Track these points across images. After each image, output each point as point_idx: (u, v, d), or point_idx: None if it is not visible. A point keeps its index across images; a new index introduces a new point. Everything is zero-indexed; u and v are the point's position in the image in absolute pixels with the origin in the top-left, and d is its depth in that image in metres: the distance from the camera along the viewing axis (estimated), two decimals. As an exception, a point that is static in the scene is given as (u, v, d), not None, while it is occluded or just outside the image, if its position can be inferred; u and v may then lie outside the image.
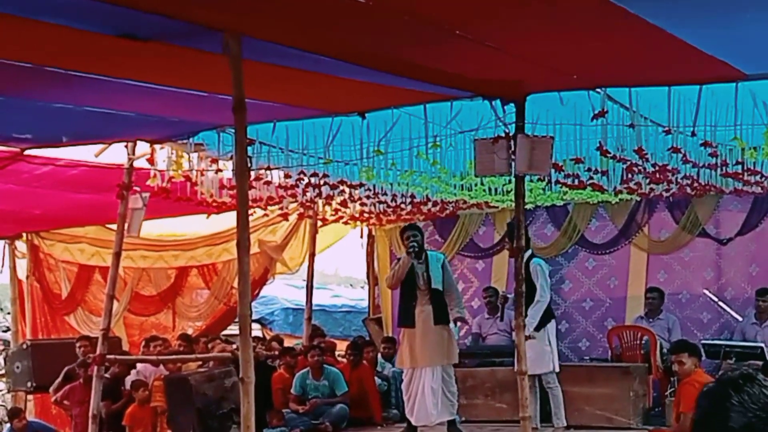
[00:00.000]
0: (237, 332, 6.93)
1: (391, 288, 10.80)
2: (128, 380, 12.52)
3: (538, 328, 10.67)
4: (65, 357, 13.35)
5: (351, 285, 24.87)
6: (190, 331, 16.73)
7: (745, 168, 10.19)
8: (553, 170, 9.79)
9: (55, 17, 5.81)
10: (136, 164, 10.82)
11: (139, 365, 12.83)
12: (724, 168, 10.12)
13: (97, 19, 5.87)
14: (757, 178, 10.88)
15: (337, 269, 25.10)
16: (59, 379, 12.90)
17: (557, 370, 10.87)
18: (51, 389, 13.02)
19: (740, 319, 13.32)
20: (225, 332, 15.79)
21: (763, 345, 11.94)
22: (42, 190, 12.54)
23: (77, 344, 13.21)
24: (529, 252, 11.09)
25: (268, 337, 16.89)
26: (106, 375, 12.02)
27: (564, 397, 11.01)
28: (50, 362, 13.69)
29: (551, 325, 10.98)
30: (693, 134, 8.56)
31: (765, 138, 8.56)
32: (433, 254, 11.26)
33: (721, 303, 13.94)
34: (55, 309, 17.37)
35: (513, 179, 9.21)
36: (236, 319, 7.56)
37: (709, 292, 14.15)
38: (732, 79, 7.73)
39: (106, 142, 10.44)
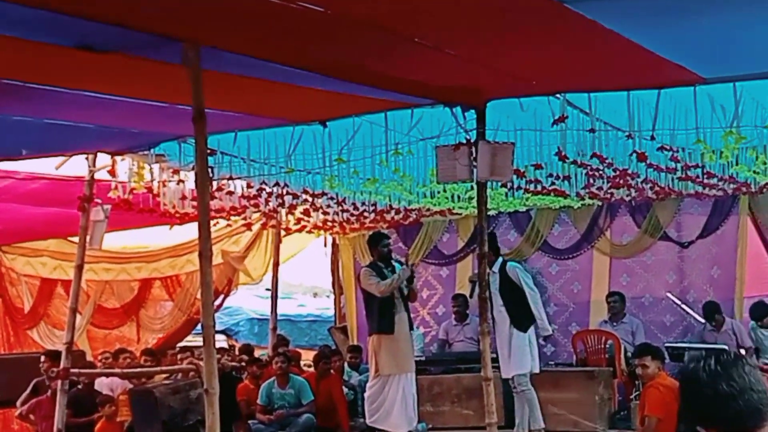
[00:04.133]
0: (201, 343, 6.90)
1: (382, 295, 10.81)
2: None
3: (525, 329, 10.74)
4: (28, 372, 13.25)
5: (316, 294, 24.80)
6: (152, 342, 16.71)
7: (705, 171, 10.28)
8: (515, 176, 9.82)
9: (11, 29, 5.78)
10: (97, 176, 10.76)
11: (106, 378, 12.77)
12: (686, 171, 10.20)
13: (54, 30, 5.83)
14: (716, 180, 10.97)
15: (302, 278, 25.02)
16: (27, 392, 12.79)
17: (536, 370, 10.86)
18: (18, 402, 12.92)
19: (702, 321, 13.41)
20: (191, 343, 15.71)
21: (726, 347, 12.02)
22: (2, 204, 12.45)
23: (41, 359, 13.09)
24: (501, 259, 11.13)
25: (235, 346, 16.84)
26: (79, 386, 12.00)
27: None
28: (13, 377, 13.59)
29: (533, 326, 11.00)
30: (652, 138, 8.61)
31: (723, 141, 8.62)
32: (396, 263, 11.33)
33: (683, 306, 14.03)
34: (18, 323, 17.26)
35: (475, 186, 9.23)
36: (199, 329, 7.53)
37: (672, 295, 14.24)
38: (690, 82, 7.79)
39: (66, 154, 10.38)
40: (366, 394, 11.23)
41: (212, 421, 6.41)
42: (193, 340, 16.12)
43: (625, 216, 14.74)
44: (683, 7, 5.98)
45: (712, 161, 9.76)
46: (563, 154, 8.95)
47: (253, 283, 17.37)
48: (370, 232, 12.88)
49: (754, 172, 10.72)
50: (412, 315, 13.82)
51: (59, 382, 10.85)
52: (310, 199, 11.79)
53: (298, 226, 13.83)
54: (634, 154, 9.16)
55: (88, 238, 10.99)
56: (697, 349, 11.98)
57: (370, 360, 11.21)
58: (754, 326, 13.15)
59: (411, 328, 11.24)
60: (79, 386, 12.18)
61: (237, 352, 15.40)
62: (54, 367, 11.54)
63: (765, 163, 10.24)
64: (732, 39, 6.76)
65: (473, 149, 8.38)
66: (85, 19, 5.51)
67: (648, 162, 9.66)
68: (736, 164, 10.25)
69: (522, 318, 10.83)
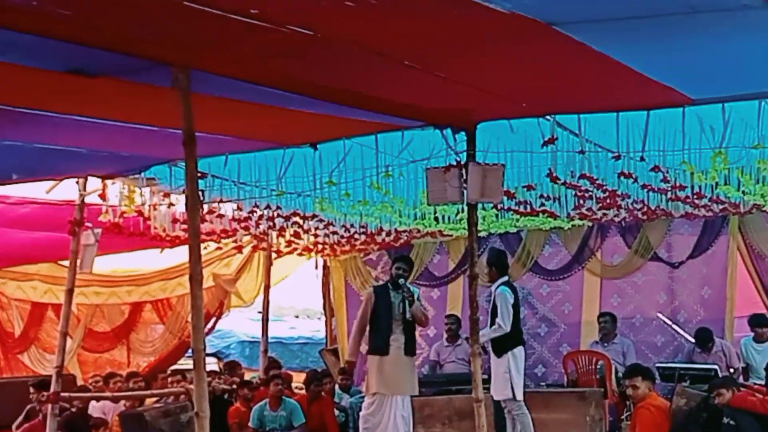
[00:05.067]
0: (192, 366, 6.89)
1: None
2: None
3: (499, 354, 10.68)
4: (19, 396, 13.21)
5: (308, 316, 24.79)
6: (143, 365, 16.70)
7: (694, 192, 10.31)
8: (505, 197, 9.84)
9: (1, 54, 5.79)
10: (87, 200, 10.75)
11: (97, 402, 12.75)
12: (674, 192, 10.23)
13: (44, 55, 5.85)
14: (705, 201, 11.00)
15: (293, 301, 25.01)
16: (21, 418, 12.74)
17: (518, 398, 10.77)
18: (13, 426, 12.88)
19: (693, 341, 13.43)
20: (183, 367, 15.67)
21: (716, 367, 12.05)
22: (-8, 229, 12.45)
23: (30, 390, 12.99)
24: (504, 279, 11.08)
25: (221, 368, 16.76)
26: (72, 409, 11.99)
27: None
28: (4, 401, 13.55)
29: (518, 352, 10.87)
30: (641, 159, 8.64)
31: (712, 162, 8.66)
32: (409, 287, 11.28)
33: (674, 326, 14.05)
34: (8, 347, 17.23)
35: (465, 207, 9.25)
36: (189, 353, 7.51)
37: (663, 315, 14.26)
38: (678, 104, 7.82)
39: (56, 178, 10.37)
40: (361, 414, 11.21)
41: (203, 444, 6.39)
42: (185, 363, 16.08)
43: (616, 237, 14.78)
44: (672, 29, 6.01)
45: (701, 182, 9.79)
46: (555, 175, 8.97)
47: (245, 305, 17.36)
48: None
49: (743, 192, 10.77)
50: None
51: (49, 406, 10.82)
52: (300, 221, 11.80)
53: (289, 249, 13.84)
54: (623, 175, 9.19)
55: (78, 261, 10.98)
56: (687, 370, 12.01)
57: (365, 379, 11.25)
58: (747, 342, 13.15)
59: (411, 353, 11.10)
60: (73, 410, 12.17)
61: (222, 368, 15.39)
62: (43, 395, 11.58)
63: (753, 184, 10.30)
64: (721, 60, 6.79)
65: (463, 171, 8.39)
66: (75, 43, 5.52)
67: (639, 183, 9.70)
68: (725, 185, 10.30)
69: (498, 342, 10.79)
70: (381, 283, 11.67)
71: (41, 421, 12.02)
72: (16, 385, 14.34)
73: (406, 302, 10.94)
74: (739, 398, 9.58)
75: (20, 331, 17.18)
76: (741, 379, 12.11)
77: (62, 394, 10.91)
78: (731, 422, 9.32)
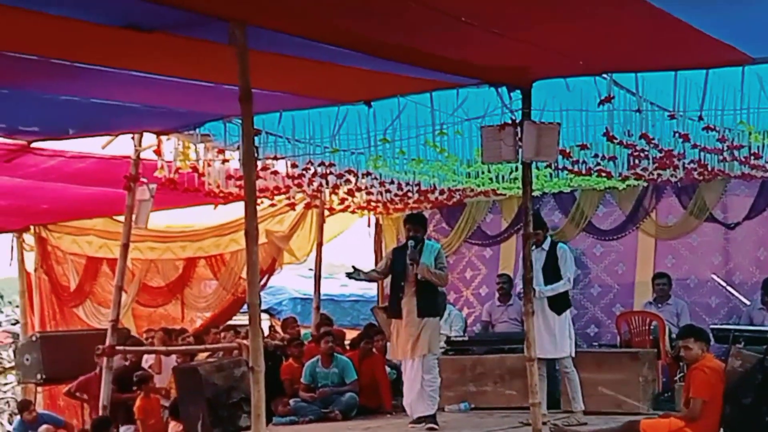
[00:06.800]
0: (246, 322, 6.95)
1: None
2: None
3: (560, 312, 10.61)
4: (74, 349, 13.40)
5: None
6: (198, 322, 16.82)
7: (752, 152, 10.18)
8: (560, 157, 9.77)
9: (60, 9, 5.82)
10: (143, 155, 10.86)
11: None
12: (732, 152, 10.10)
13: (102, 10, 5.87)
14: (763, 162, 10.87)
15: (345, 259, 25.03)
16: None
17: (573, 355, 10.74)
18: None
19: (748, 303, 13.30)
20: (235, 322, 15.78)
21: (772, 328, 11.95)
22: (49, 183, 12.56)
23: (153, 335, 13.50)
24: (550, 239, 10.94)
25: (276, 326, 16.85)
26: (125, 363, 12.16)
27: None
28: (59, 354, 13.75)
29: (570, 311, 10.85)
30: (700, 119, 8.55)
31: (771, 122, 8.56)
32: (429, 244, 10.75)
33: (729, 288, 13.91)
34: (64, 301, 17.42)
35: (520, 166, 9.21)
36: (244, 309, 7.58)
37: (717, 276, 14.12)
38: (738, 62, 7.72)
39: (112, 133, 10.47)
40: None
41: (257, 398, 6.46)
42: (237, 319, 16.20)
43: (671, 197, 14.62)
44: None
45: (758, 142, 9.67)
46: (611, 134, 8.90)
47: (298, 262, 17.41)
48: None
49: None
50: (455, 295, 13.74)
51: (104, 359, 10.97)
52: (353, 179, 11.79)
53: (342, 206, 13.86)
54: (679, 135, 9.10)
55: (133, 216, 11.09)
56: (742, 332, 11.90)
57: None
58: None
59: (425, 314, 10.43)
60: (127, 363, 12.35)
61: (280, 328, 15.46)
62: (168, 341, 12.45)
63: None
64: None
65: (518, 129, 8.36)
66: (133, -2, 5.55)
67: (694, 143, 9.59)
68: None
69: (558, 301, 10.70)
70: (401, 244, 11.38)
71: (98, 375, 12.20)
72: (72, 338, 14.55)
73: (422, 261, 10.55)
74: (797, 361, 9.46)
75: (75, 285, 17.36)
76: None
77: (117, 347, 11.07)
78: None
